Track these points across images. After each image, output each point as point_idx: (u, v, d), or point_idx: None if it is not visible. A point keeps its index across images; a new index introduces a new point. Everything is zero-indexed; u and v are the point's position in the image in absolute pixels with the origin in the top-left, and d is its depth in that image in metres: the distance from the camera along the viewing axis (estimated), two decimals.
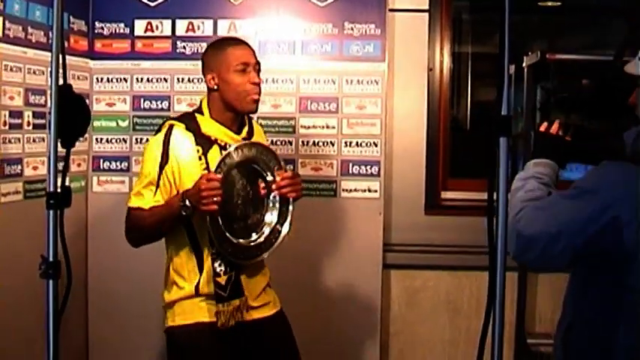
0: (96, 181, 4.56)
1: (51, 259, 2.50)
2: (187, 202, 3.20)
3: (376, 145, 4.57)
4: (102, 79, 4.56)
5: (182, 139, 3.38)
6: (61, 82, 2.49)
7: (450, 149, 4.92)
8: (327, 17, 4.56)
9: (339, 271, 4.60)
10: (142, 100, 4.57)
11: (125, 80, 4.57)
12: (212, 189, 3.15)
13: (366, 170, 4.57)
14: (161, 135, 3.39)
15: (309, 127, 4.58)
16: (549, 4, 6.73)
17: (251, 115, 3.55)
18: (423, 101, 4.71)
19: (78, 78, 4.43)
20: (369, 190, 4.57)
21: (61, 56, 2.50)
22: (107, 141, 4.58)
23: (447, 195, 4.87)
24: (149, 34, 4.59)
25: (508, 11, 2.11)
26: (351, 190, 4.57)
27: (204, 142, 3.38)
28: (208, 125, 3.42)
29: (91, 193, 4.55)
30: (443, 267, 4.77)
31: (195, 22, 4.57)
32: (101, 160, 4.59)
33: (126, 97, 4.55)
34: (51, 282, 2.50)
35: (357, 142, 4.58)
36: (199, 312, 3.41)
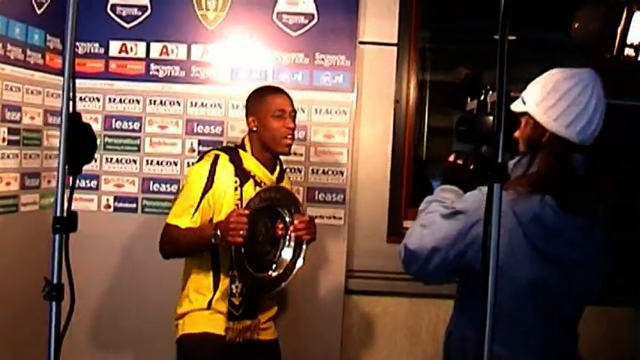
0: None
1: (55, 281, 2.67)
2: (218, 232, 3.57)
3: (342, 174, 4.76)
4: (81, 98, 4.64)
5: (225, 169, 3.81)
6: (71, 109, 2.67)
7: (412, 179, 5.12)
8: (299, 47, 4.75)
9: (302, 294, 4.75)
10: (113, 120, 4.70)
11: (98, 100, 4.69)
12: (240, 222, 3.52)
13: (332, 198, 4.76)
14: (208, 162, 3.81)
15: None
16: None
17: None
18: (389, 132, 4.91)
19: (52, 95, 4.55)
20: (334, 217, 4.76)
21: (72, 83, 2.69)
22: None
23: (408, 224, 4.97)
24: (123, 55, 4.73)
25: (505, 76, 2.28)
26: (316, 217, 4.65)
27: (243, 175, 3.83)
28: (249, 161, 3.87)
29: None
30: (403, 294, 4.91)
31: (170, 45, 4.72)
32: (87, 180, 4.72)
33: (98, 117, 4.67)
34: (54, 304, 2.67)
35: (323, 170, 4.77)
36: (208, 323, 3.80)
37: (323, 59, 4.76)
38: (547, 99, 2.74)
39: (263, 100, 3.90)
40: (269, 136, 3.84)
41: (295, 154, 4.66)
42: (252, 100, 3.96)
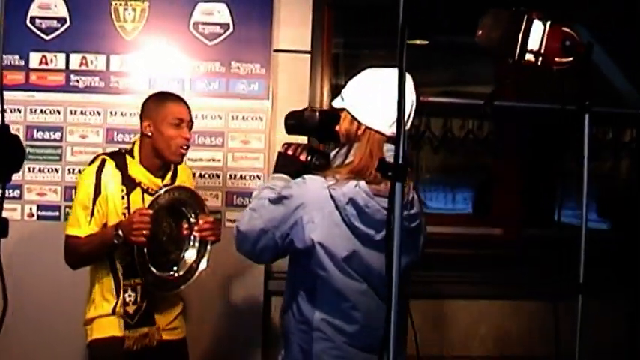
0: None
1: None
2: (120, 232, 3.63)
3: (259, 179, 4.96)
4: None
5: (111, 176, 3.84)
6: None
7: None
8: (215, 56, 4.92)
9: (223, 296, 4.94)
10: (35, 131, 4.79)
11: (19, 111, 4.78)
12: (143, 222, 3.60)
13: (250, 202, 4.92)
14: (94, 167, 3.85)
15: (195, 160, 4.88)
16: (417, 42, 7.28)
17: None
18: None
19: None
20: None
21: None
22: None
23: None
24: (44, 66, 4.82)
25: (404, 78, 2.52)
26: (234, 221, 4.78)
27: (129, 184, 3.85)
28: (135, 169, 3.88)
29: None
30: None
31: (89, 56, 4.84)
32: None
33: (20, 127, 4.75)
34: None
35: (241, 175, 4.96)
36: (115, 328, 3.86)
37: (239, 67, 4.94)
38: (362, 96, 3.08)
39: (162, 106, 3.90)
40: (163, 143, 3.85)
41: (213, 160, 4.90)
42: (149, 104, 3.96)
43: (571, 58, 3.66)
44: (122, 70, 4.88)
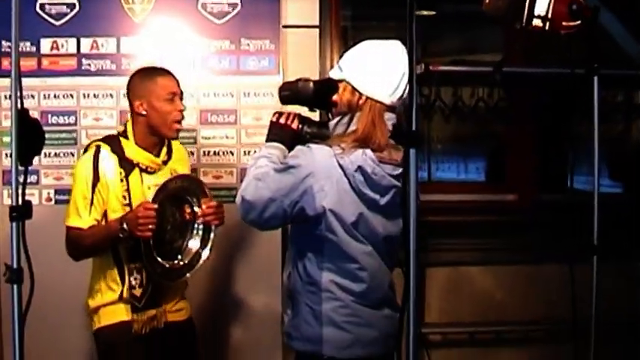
0: (6, 194, 4.78)
1: (15, 266, 2.93)
2: (125, 226, 3.66)
3: None
4: (9, 95, 4.78)
5: (108, 160, 3.86)
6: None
7: None
8: (225, 34, 4.98)
9: (241, 273, 5.01)
10: (49, 116, 4.85)
11: (32, 97, 4.80)
12: (148, 217, 3.63)
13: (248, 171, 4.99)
14: (90, 155, 3.87)
15: (209, 138, 4.98)
16: (424, 13, 7.33)
17: None
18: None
19: None
20: None
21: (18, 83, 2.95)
22: (6, 156, 4.83)
23: None
24: (55, 52, 4.87)
25: (415, 49, 2.60)
26: None
27: (127, 165, 3.88)
28: (131, 149, 3.91)
29: (1, 206, 4.75)
30: None
31: (99, 40, 4.89)
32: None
33: (34, 113, 4.64)
34: (15, 287, 2.95)
35: (255, 151, 4.82)
36: (122, 313, 3.91)
37: (248, 44, 5.00)
38: (361, 67, 3.24)
39: (152, 82, 3.92)
40: (159, 119, 3.89)
41: (227, 137, 4.95)
42: (137, 82, 3.97)
43: (578, 22, 3.71)
44: (133, 52, 4.93)
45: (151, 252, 3.79)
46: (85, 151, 3.94)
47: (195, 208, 4.01)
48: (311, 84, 3.39)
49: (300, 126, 3.43)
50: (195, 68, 4.91)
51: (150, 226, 3.64)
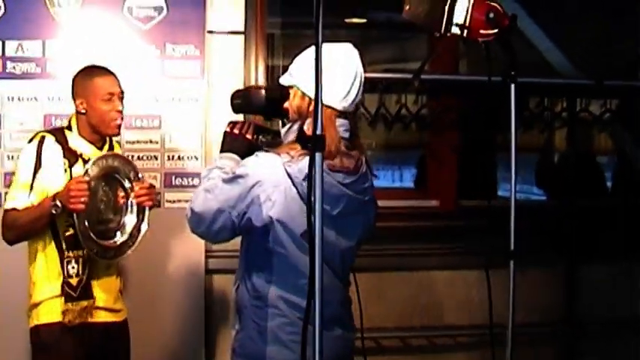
0: None
1: None
2: (57, 202, 3.73)
3: (197, 159, 5.10)
4: None
5: (52, 150, 3.96)
6: None
7: None
8: (150, 39, 5.04)
9: (165, 276, 5.06)
10: None
11: None
12: (80, 189, 3.71)
13: (188, 182, 5.08)
14: (34, 143, 3.96)
15: (133, 142, 5.02)
16: (355, 20, 7.42)
17: None
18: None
19: None
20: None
21: None
22: None
23: None
24: None
25: (320, 52, 2.67)
26: (174, 201, 5.06)
27: (71, 156, 3.97)
28: (75, 141, 4.02)
29: None
30: None
31: (25, 43, 4.92)
32: None
33: None
34: None
35: (179, 156, 5.09)
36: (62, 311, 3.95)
37: (173, 49, 5.06)
38: (310, 71, 2.95)
39: (91, 83, 4.04)
40: (98, 118, 4.00)
41: (151, 141, 5.00)
42: (79, 81, 4.09)
43: (495, 30, 3.82)
44: (58, 55, 4.96)
45: (86, 229, 3.85)
46: (30, 140, 4.02)
47: (127, 187, 4.09)
48: (263, 91, 3.39)
49: (255, 136, 3.40)
50: (120, 72, 4.86)
51: (82, 199, 3.71)
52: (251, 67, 5.30)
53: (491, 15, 3.79)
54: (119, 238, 4.09)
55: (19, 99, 4.96)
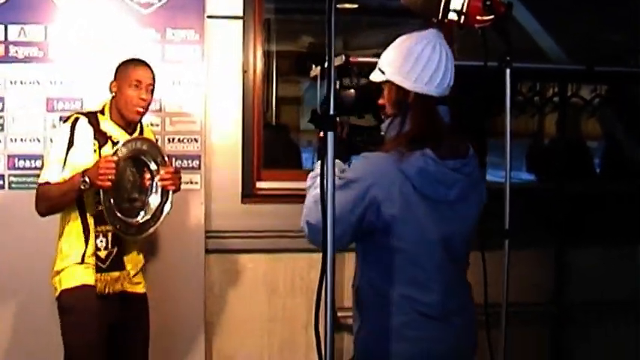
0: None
1: None
2: (86, 178, 3.99)
3: (196, 141, 5.25)
4: None
5: (84, 131, 4.23)
6: None
7: (262, 144, 5.61)
8: (150, 24, 5.16)
9: (165, 256, 5.19)
10: None
11: None
12: (108, 168, 3.96)
13: (188, 164, 5.23)
14: (69, 123, 4.24)
15: None
16: (347, 5, 7.54)
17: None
18: (239, 100, 5.41)
19: None
20: (191, 182, 5.22)
21: None
22: None
23: (261, 185, 5.56)
24: None
25: (333, 35, 2.80)
26: None
27: (101, 138, 4.25)
28: (106, 123, 4.29)
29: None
30: (260, 250, 5.47)
31: (27, 27, 5.03)
32: None
33: None
34: None
35: (179, 139, 5.24)
36: (84, 276, 4.25)
37: (173, 34, 5.19)
38: (404, 64, 3.12)
39: (125, 69, 4.35)
40: (122, 102, 4.28)
41: (152, 124, 5.07)
42: (119, 67, 4.39)
43: (492, 17, 3.94)
44: (60, 40, 5.07)
45: (110, 206, 4.12)
46: (65, 121, 4.30)
47: (154, 170, 4.36)
48: (352, 91, 3.42)
49: (350, 135, 3.38)
50: (121, 57, 4.97)
51: (109, 177, 3.97)
52: (249, 51, 5.46)
53: (488, 2, 3.89)
54: (142, 217, 4.36)
55: (21, 82, 5.08)
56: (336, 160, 3.08)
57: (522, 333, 5.50)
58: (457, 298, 3.26)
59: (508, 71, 4.30)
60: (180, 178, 4.45)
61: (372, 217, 3.05)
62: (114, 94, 4.32)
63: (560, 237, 5.80)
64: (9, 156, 5.02)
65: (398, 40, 3.25)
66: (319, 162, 3.16)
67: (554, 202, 5.81)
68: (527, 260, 5.51)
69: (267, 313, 5.59)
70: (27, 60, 5.06)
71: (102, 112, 4.33)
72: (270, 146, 6.08)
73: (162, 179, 4.36)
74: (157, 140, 4.58)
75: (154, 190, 4.39)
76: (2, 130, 5.03)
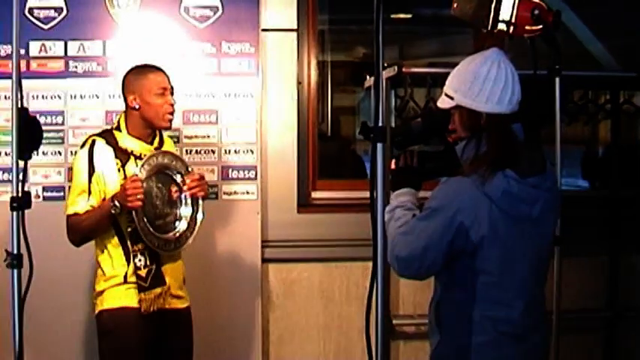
0: None
1: (15, 252, 3.26)
2: (116, 203, 3.97)
3: (252, 152, 5.35)
4: (6, 96, 4.98)
5: (103, 152, 4.16)
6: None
7: (317, 154, 5.70)
8: (206, 37, 5.30)
9: (223, 266, 5.32)
10: (37, 116, 4.82)
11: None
12: (135, 188, 3.95)
13: (244, 175, 5.34)
14: (86, 148, 4.17)
15: (192, 137, 5.30)
16: (401, 15, 7.61)
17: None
18: (294, 112, 5.51)
19: None
20: (247, 193, 5.33)
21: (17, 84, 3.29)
22: (6, 154, 5.13)
23: (316, 195, 5.65)
24: (43, 54, 5.17)
25: (382, 48, 2.90)
26: (231, 193, 5.32)
27: (123, 155, 4.19)
28: (125, 139, 4.22)
29: None
30: (315, 259, 5.57)
31: (86, 43, 5.20)
32: (1, 172, 5.19)
33: None
34: (15, 271, 3.27)
35: (235, 150, 5.34)
36: (125, 298, 4.18)
37: (229, 47, 5.31)
38: (472, 87, 3.16)
39: (144, 79, 4.24)
40: (152, 113, 4.20)
41: (208, 136, 5.25)
42: (131, 79, 4.29)
43: (540, 26, 4.01)
44: (118, 54, 5.22)
45: (145, 225, 4.10)
46: (82, 146, 4.22)
47: (179, 182, 4.31)
48: (419, 120, 3.48)
49: (420, 162, 3.41)
50: (178, 70, 5.09)
51: (138, 196, 3.96)
52: (304, 63, 5.57)
53: (536, 12, 3.96)
54: (178, 230, 4.32)
55: (81, 97, 5.24)
56: (410, 190, 3.35)
57: (574, 340, 5.53)
58: (537, 314, 3.30)
59: (557, 79, 4.35)
60: (206, 183, 4.41)
61: (461, 242, 3.09)
62: (137, 106, 4.22)
63: (615, 244, 5.80)
64: (69, 168, 5.07)
65: (462, 64, 3.30)
66: (394, 194, 3.38)
67: (609, 208, 5.81)
68: (581, 267, 5.55)
69: (323, 320, 5.66)
70: (86, 75, 5.22)
71: (117, 128, 4.27)
72: (325, 156, 6.13)
73: (189, 188, 4.30)
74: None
75: (183, 202, 4.35)
76: (62, 142, 5.18)
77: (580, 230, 4.86)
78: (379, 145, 2.85)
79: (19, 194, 3.29)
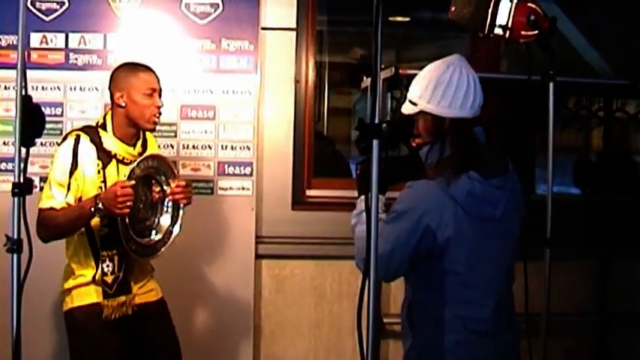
0: None
1: (15, 237, 3.30)
2: (100, 205, 3.88)
3: (249, 149, 5.40)
4: (9, 86, 5.16)
5: (87, 151, 4.09)
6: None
7: (313, 152, 5.75)
8: (206, 34, 5.36)
9: (216, 260, 5.36)
10: None
11: None
12: (126, 195, 3.86)
13: (240, 171, 5.39)
14: (70, 143, 4.09)
15: (189, 132, 5.35)
16: (399, 19, 7.66)
17: None
18: (291, 109, 5.55)
19: None
20: (243, 189, 5.38)
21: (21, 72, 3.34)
22: (4, 144, 5.21)
23: (311, 192, 5.70)
24: (44, 45, 5.23)
25: (380, 47, 2.93)
26: (226, 189, 5.37)
27: (105, 157, 4.11)
28: (110, 141, 4.14)
29: None
30: (308, 256, 5.63)
31: (87, 36, 5.25)
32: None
33: None
34: (15, 256, 3.30)
35: (231, 146, 5.40)
36: (94, 295, 4.15)
37: (228, 44, 5.37)
38: (435, 93, 3.23)
39: (134, 77, 4.16)
40: (138, 113, 4.12)
41: (206, 131, 5.32)
42: (120, 75, 4.21)
43: (536, 32, 4.07)
44: (118, 48, 5.28)
45: (127, 230, 4.02)
46: (64, 139, 4.15)
47: (165, 187, 4.26)
48: (385, 127, 3.50)
49: (385, 167, 3.36)
50: (177, 65, 5.27)
51: (128, 204, 3.86)
52: (302, 62, 5.62)
53: (533, 17, 4.01)
54: (154, 237, 4.28)
55: (80, 89, 5.30)
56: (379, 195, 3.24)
57: (564, 343, 5.59)
58: (506, 312, 3.36)
59: (551, 85, 4.40)
60: (191, 191, 4.32)
61: (428, 243, 3.14)
62: (123, 104, 4.14)
63: (605, 248, 5.86)
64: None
65: (424, 71, 3.36)
66: (359, 199, 3.41)
67: (600, 214, 5.88)
68: (570, 271, 5.61)
69: (314, 317, 5.71)
70: (86, 67, 5.28)
71: (103, 126, 4.18)
72: (321, 155, 6.20)
73: (173, 193, 4.24)
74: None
75: (164, 208, 4.31)
76: (61, 134, 5.15)
77: (571, 234, 4.91)
78: (374, 142, 2.87)
79: (21, 180, 3.31)
